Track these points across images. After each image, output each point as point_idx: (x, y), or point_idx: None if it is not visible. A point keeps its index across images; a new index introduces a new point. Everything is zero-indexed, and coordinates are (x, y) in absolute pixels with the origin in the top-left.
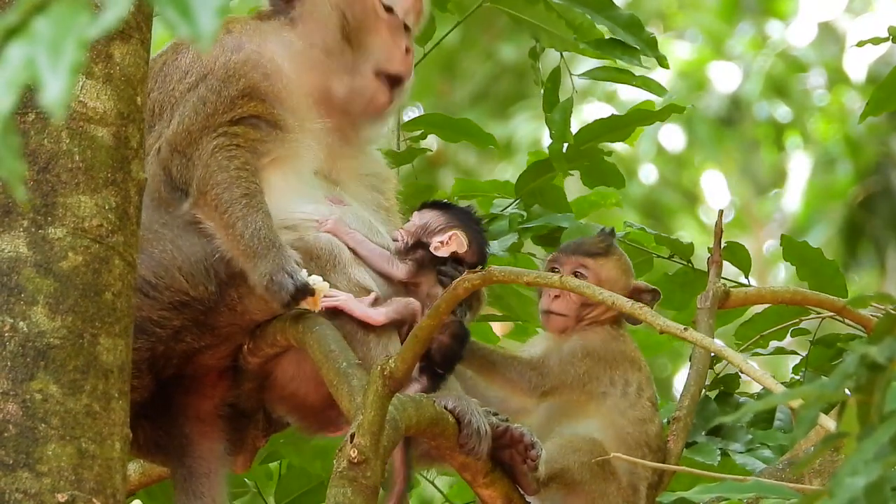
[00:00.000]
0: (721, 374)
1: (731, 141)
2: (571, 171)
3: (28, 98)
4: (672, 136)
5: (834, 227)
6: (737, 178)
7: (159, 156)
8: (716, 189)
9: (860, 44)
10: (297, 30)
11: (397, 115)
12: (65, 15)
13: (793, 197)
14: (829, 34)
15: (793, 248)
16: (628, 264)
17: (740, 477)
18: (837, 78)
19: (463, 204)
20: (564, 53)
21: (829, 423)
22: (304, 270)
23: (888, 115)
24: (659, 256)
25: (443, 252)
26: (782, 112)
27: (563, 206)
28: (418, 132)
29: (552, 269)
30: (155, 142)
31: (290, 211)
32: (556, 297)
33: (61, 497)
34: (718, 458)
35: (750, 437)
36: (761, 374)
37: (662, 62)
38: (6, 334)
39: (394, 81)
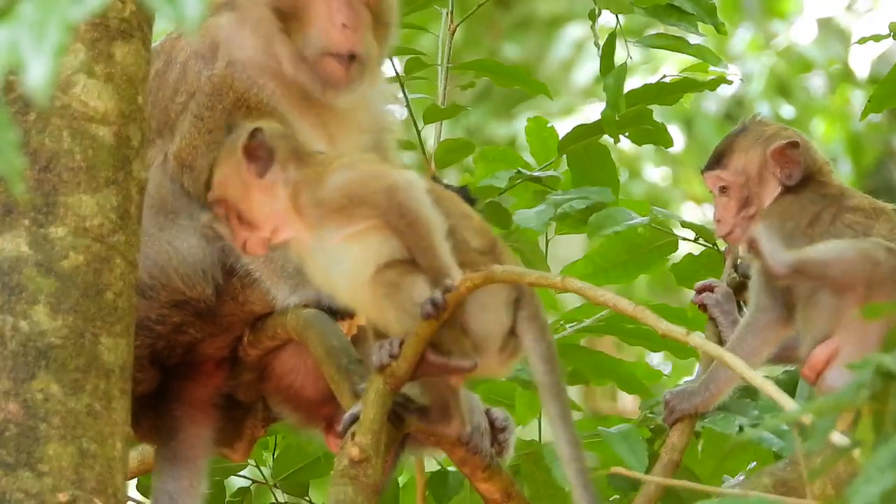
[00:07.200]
0: None
1: None
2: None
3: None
4: (673, 135)
5: None
6: None
7: (166, 168)
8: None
9: (862, 41)
10: (248, 26)
11: (444, 66)
12: None
13: None
14: (830, 32)
15: None
16: None
17: (742, 492)
18: (841, 77)
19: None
20: (620, 18)
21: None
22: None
23: (890, 114)
24: (684, 239)
25: None
26: (786, 110)
27: (609, 167)
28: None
29: None
30: (157, 154)
31: None
32: None
33: (62, 497)
34: (737, 429)
35: (756, 412)
36: (762, 382)
37: (720, 29)
38: (7, 334)
39: (349, 56)
